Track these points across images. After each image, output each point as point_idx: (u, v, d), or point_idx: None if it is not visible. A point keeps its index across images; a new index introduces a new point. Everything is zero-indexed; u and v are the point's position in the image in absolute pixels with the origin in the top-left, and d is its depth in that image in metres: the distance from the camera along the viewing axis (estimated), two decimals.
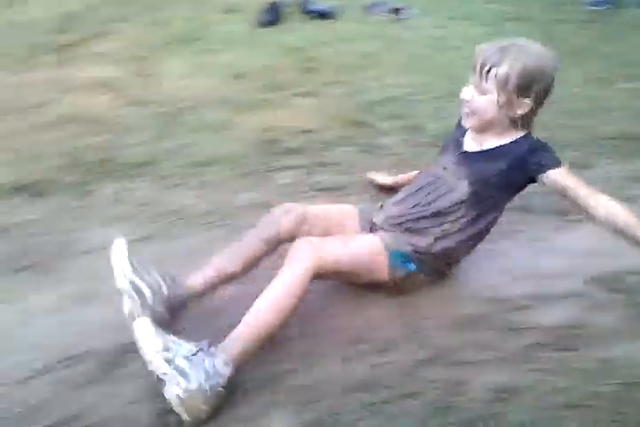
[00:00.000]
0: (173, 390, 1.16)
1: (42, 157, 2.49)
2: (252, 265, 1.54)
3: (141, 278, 1.36)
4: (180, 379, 1.16)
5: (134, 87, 3.18)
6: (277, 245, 1.58)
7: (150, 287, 1.36)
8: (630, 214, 1.42)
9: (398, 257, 1.54)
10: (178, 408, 1.16)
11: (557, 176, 1.48)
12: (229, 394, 1.25)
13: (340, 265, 1.45)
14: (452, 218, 1.56)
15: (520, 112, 1.49)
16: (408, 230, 1.58)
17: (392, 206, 1.66)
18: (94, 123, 2.77)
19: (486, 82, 1.45)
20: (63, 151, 2.54)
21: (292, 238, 1.53)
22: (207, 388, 1.18)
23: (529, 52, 1.45)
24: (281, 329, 1.34)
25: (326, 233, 1.59)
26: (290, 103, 3.19)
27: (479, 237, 1.62)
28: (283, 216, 1.59)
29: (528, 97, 1.46)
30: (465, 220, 1.56)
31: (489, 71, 1.44)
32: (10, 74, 3.38)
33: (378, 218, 1.66)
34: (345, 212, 1.72)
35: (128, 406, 1.28)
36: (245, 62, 3.59)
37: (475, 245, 1.65)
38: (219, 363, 1.22)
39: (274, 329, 1.32)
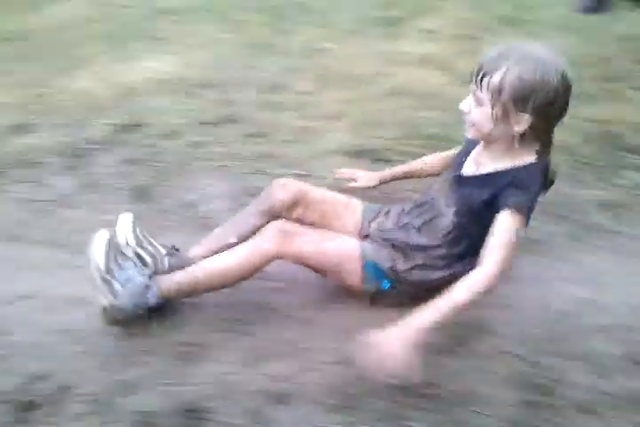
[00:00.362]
0: (101, 301, 1.42)
1: (380, 126, 2.66)
2: (247, 236, 1.52)
3: (143, 248, 1.48)
4: (109, 295, 1.40)
5: (460, 65, 3.20)
6: (272, 218, 1.56)
7: (152, 257, 1.49)
8: (454, 299, 1.20)
9: (373, 269, 1.47)
10: (100, 313, 1.44)
11: (500, 217, 1.27)
12: (146, 318, 1.47)
13: (303, 259, 1.45)
14: (433, 253, 1.46)
15: (518, 129, 1.27)
16: (393, 248, 1.49)
17: (389, 218, 1.58)
18: (427, 97, 2.87)
19: (481, 91, 1.26)
20: (400, 121, 2.68)
21: (286, 213, 1.58)
22: (129, 308, 1.42)
23: (529, 57, 1.21)
24: (215, 291, 1.48)
25: (322, 220, 1.59)
26: (625, 96, 2.91)
27: (465, 272, 1.29)
28: (279, 190, 1.60)
29: (525, 111, 1.23)
30: (446, 259, 1.45)
31: (482, 79, 1.24)
32: (343, 46, 3.68)
33: (373, 224, 1.60)
34: (350, 205, 1.65)
35: None
36: (577, 50, 3.35)
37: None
38: (150, 293, 1.43)
39: (209, 289, 1.47)
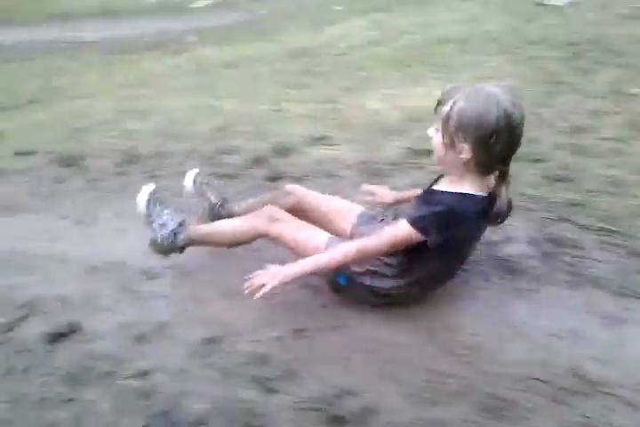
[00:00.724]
0: (150, 235, 1.84)
1: None
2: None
3: (156, 215, 1.84)
4: (151, 233, 1.84)
5: None
6: None
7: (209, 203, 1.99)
8: (317, 259, 1.48)
9: None
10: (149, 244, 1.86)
11: (400, 222, 1.42)
12: (178, 253, 1.87)
13: (280, 242, 1.68)
14: (384, 261, 1.54)
15: (462, 157, 1.37)
16: None
17: (370, 224, 1.72)
18: None
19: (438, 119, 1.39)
20: None
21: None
22: (164, 243, 1.82)
23: (479, 93, 1.31)
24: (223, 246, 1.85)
25: (317, 224, 1.72)
26: None
27: (420, 285, 1.60)
28: (282, 198, 1.85)
29: (467, 142, 1.33)
30: (395, 269, 1.55)
31: (437, 107, 1.38)
32: None
33: (360, 228, 1.73)
34: (344, 211, 1.81)
35: None
36: None
37: (420, 291, 1.64)
38: (179, 236, 1.82)
39: (215, 244, 1.86)
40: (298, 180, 2.44)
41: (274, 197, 1.89)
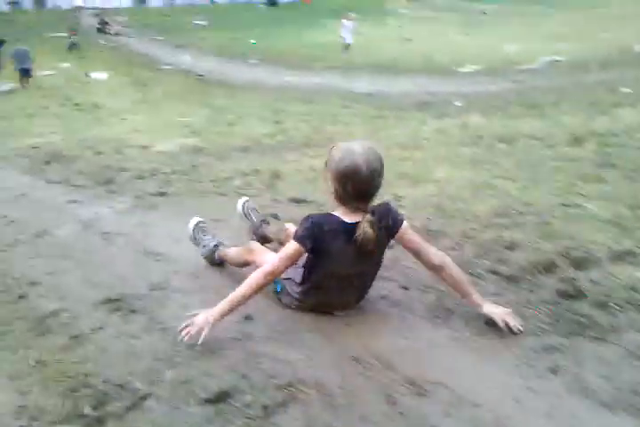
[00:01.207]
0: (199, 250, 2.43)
1: None
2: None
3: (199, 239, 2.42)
4: (198, 248, 2.42)
5: None
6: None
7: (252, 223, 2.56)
8: (237, 292, 1.84)
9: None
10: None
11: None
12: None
13: (252, 262, 2.15)
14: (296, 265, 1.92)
15: (330, 190, 1.84)
16: None
17: None
18: None
19: None
20: None
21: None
22: (206, 260, 2.40)
23: (346, 147, 1.80)
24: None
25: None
26: None
27: (306, 293, 1.96)
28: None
29: (331, 179, 1.80)
30: (299, 271, 1.95)
31: None
32: None
33: None
34: None
35: None
36: None
37: (307, 302, 1.98)
38: (216, 255, 2.35)
39: (230, 264, 2.33)
40: (604, 305, 1.97)
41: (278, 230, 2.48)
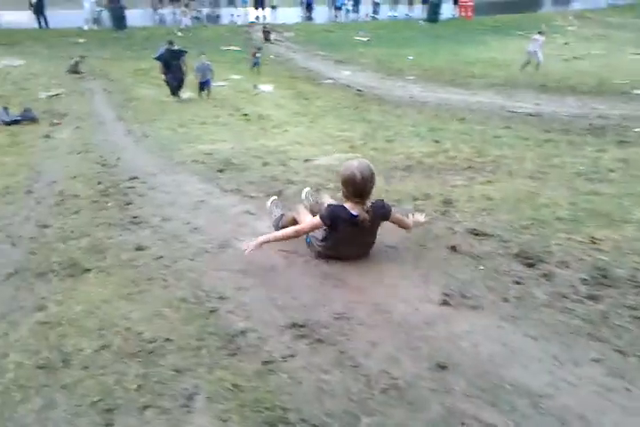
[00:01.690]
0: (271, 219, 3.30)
1: None
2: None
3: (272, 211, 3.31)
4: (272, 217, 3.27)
5: None
6: None
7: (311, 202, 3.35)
8: (277, 233, 2.91)
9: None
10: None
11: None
12: None
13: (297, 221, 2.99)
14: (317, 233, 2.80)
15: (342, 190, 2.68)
16: None
17: None
18: None
19: None
20: None
21: None
22: (274, 225, 3.14)
23: (349, 163, 2.61)
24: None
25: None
26: None
27: (326, 247, 2.76)
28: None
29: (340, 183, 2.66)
30: (321, 234, 2.75)
31: None
32: None
33: None
34: None
35: None
36: None
37: (325, 253, 2.79)
38: (279, 221, 3.12)
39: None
40: None
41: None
